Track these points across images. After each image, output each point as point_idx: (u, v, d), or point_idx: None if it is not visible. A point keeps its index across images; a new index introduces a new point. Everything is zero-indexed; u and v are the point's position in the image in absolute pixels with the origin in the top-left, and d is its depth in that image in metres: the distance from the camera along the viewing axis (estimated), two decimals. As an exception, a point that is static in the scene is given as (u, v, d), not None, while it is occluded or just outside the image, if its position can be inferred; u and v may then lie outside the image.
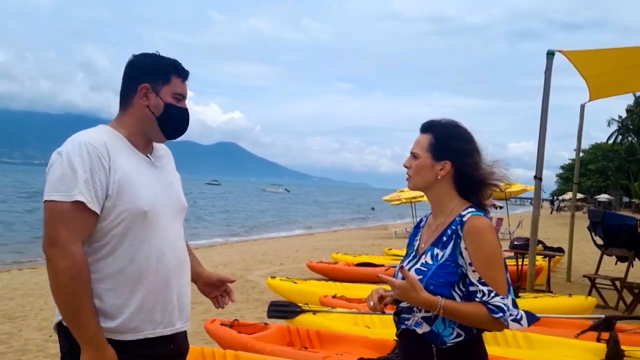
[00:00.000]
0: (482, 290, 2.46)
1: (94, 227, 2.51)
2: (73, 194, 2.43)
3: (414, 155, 2.71)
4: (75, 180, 2.45)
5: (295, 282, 10.11)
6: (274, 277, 10.45)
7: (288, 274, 12.98)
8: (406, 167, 2.74)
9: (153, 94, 2.68)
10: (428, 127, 2.72)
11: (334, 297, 8.33)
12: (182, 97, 2.75)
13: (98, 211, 2.49)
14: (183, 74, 2.75)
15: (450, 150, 2.64)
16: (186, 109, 2.79)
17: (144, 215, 2.56)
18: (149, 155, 2.75)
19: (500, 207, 30.06)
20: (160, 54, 2.77)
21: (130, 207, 2.53)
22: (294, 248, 22.76)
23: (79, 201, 2.43)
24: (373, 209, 78.01)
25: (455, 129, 2.70)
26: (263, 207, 75.26)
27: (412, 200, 30.54)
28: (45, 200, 2.47)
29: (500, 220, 28.55)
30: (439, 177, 2.66)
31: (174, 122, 2.74)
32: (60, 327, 2.61)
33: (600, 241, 11.44)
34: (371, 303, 2.62)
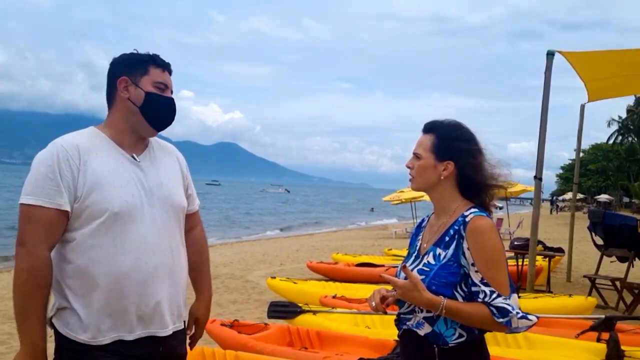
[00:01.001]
0: (484, 291, 2.45)
1: (63, 229, 2.54)
2: (40, 197, 2.48)
3: (416, 156, 2.69)
4: (42, 183, 2.49)
5: (295, 283, 10.10)
6: (274, 278, 10.44)
7: (288, 274, 12.97)
8: (409, 167, 2.72)
9: (132, 85, 2.68)
10: (431, 128, 2.71)
11: (334, 297, 8.32)
12: (165, 86, 2.73)
13: (65, 213, 2.52)
14: (162, 64, 2.73)
15: (454, 150, 2.63)
16: (171, 98, 2.76)
17: (115, 217, 2.56)
18: (134, 155, 2.72)
19: (501, 208, 30.07)
20: (138, 51, 2.77)
21: (100, 209, 2.54)
22: (294, 248, 22.72)
23: (45, 206, 2.48)
24: (372, 209, 77.89)
25: (458, 129, 2.68)
26: (263, 208, 75.22)
27: (412, 200, 30.54)
28: (19, 203, 2.52)
29: (500, 220, 28.55)
30: (442, 178, 2.65)
31: (157, 110, 2.72)
32: (51, 323, 2.67)
33: (600, 242, 11.44)
34: (373, 304, 2.61)
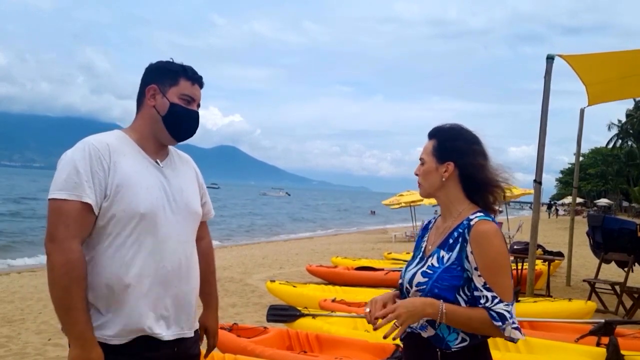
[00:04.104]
0: (486, 296, 2.44)
1: (92, 224, 2.57)
2: (73, 192, 2.51)
3: (421, 162, 2.74)
4: (75, 179, 2.52)
5: (294, 286, 10.09)
6: (274, 281, 10.43)
7: (288, 278, 12.98)
8: (417, 175, 2.76)
9: (160, 94, 2.76)
10: (433, 133, 2.76)
11: (333, 301, 8.32)
12: (191, 99, 2.81)
13: (96, 211, 2.55)
14: (193, 78, 2.81)
15: (452, 150, 2.66)
16: (194, 111, 2.84)
17: (140, 218, 2.61)
18: (158, 160, 2.80)
19: (500, 211, 30.04)
20: (174, 61, 2.84)
21: (126, 209, 2.59)
22: (294, 252, 22.74)
23: (77, 200, 2.50)
24: (373, 212, 77.95)
25: (457, 131, 2.72)
26: (263, 211, 75.18)
27: (412, 204, 30.52)
28: (49, 199, 2.54)
29: (500, 224, 28.50)
30: (443, 179, 2.66)
31: (179, 121, 2.79)
32: None
33: (598, 247, 11.43)
34: (367, 310, 2.55)
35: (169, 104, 2.75)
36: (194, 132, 2.87)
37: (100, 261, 2.58)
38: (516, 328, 2.46)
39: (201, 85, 2.86)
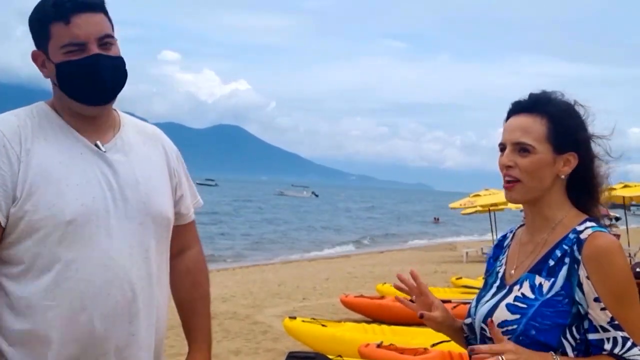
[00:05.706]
0: (614, 337, 2.35)
1: None
2: None
3: (524, 149, 2.53)
4: None
5: (324, 325, 10.13)
6: (294, 318, 10.48)
7: (314, 313, 13.02)
8: (509, 167, 2.54)
9: (47, 60, 2.66)
10: (535, 105, 2.58)
11: (379, 346, 8.34)
12: (78, 44, 2.59)
13: (1, 221, 2.49)
14: (63, 12, 2.56)
15: (576, 136, 2.55)
16: (92, 56, 2.61)
17: (65, 228, 2.51)
18: (99, 142, 2.69)
19: (617, 219, 29.65)
20: None
21: (44, 216, 2.50)
22: (323, 276, 22.78)
23: None
24: (436, 220, 78.07)
25: (571, 105, 2.59)
26: (282, 218, 75.32)
27: (492, 208, 30.25)
28: None
29: (616, 237, 28.27)
30: (562, 177, 2.55)
31: (78, 83, 2.62)
32: None
33: None
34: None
35: (54, 68, 2.64)
36: (116, 85, 2.70)
37: (14, 294, 2.51)
38: None
39: (90, 8, 2.62)
